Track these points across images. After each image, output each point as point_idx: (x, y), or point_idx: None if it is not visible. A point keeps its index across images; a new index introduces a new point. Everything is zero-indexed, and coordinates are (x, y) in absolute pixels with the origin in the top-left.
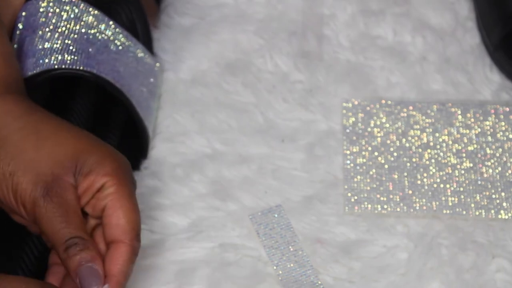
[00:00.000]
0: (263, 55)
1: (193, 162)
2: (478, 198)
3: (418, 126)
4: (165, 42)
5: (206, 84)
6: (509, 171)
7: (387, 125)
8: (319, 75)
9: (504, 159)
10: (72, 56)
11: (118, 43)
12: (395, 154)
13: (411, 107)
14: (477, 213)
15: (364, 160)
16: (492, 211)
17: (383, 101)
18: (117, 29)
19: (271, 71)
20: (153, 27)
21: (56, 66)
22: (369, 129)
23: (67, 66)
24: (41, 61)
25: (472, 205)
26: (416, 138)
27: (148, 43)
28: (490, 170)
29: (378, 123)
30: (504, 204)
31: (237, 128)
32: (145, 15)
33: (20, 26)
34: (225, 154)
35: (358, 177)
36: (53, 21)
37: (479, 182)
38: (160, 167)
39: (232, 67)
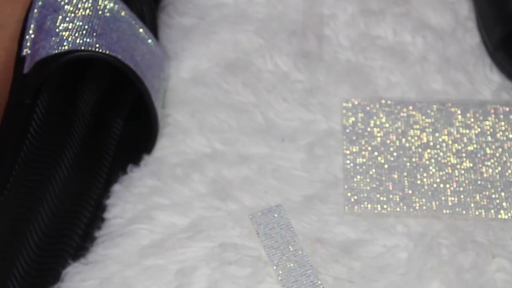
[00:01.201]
0: (263, 55)
1: (193, 162)
2: (478, 198)
3: (418, 126)
4: (165, 42)
5: (206, 84)
6: (509, 171)
7: (387, 125)
8: (319, 75)
9: (504, 159)
10: (96, 39)
11: (136, 33)
12: (395, 154)
13: (411, 107)
14: (477, 213)
15: (364, 160)
16: (492, 211)
17: (383, 101)
18: (135, 19)
19: (271, 71)
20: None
21: (82, 48)
22: (369, 129)
23: (93, 49)
24: (65, 41)
25: (472, 205)
26: (416, 138)
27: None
28: (490, 170)
29: (378, 123)
30: (504, 204)
31: (237, 128)
32: (154, 9)
33: (40, 4)
34: (225, 154)
35: (358, 177)
36: (75, 2)
37: (479, 182)
38: (160, 167)
39: (232, 67)
